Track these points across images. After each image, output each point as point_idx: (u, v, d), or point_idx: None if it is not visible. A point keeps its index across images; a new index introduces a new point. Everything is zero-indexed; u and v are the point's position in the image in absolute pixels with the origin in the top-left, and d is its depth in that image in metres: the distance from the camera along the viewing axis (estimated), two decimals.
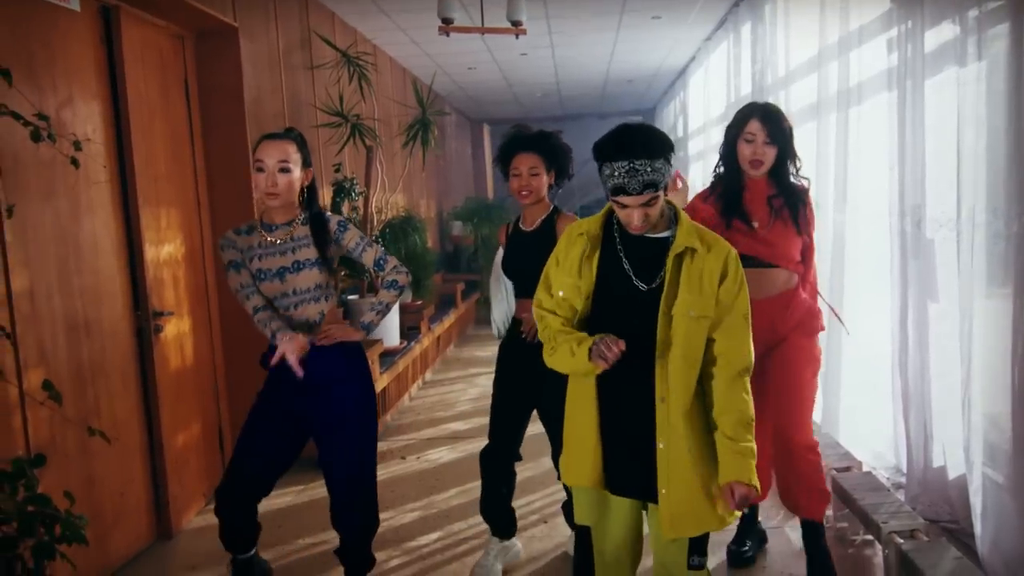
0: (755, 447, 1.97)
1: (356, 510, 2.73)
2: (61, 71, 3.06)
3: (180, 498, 3.71)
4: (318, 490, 4.00)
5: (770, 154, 2.80)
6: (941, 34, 3.01)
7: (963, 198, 2.77)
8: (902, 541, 2.56)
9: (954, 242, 2.87)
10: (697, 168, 8.15)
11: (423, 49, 7.27)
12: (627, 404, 2.02)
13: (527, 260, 2.90)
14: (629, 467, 2.04)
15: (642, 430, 2.00)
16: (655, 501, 2.00)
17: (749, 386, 2.01)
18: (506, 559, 3.20)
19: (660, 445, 1.97)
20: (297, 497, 4.02)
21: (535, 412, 3.10)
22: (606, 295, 2.04)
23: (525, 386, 3.02)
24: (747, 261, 2.41)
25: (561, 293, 2.07)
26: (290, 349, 2.47)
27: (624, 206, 1.96)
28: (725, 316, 1.98)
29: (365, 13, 5.92)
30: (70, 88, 3.11)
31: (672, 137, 10.51)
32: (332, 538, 3.03)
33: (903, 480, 3.49)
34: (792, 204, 2.84)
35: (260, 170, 2.54)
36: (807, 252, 2.94)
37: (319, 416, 2.64)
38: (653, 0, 6.14)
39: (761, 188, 2.85)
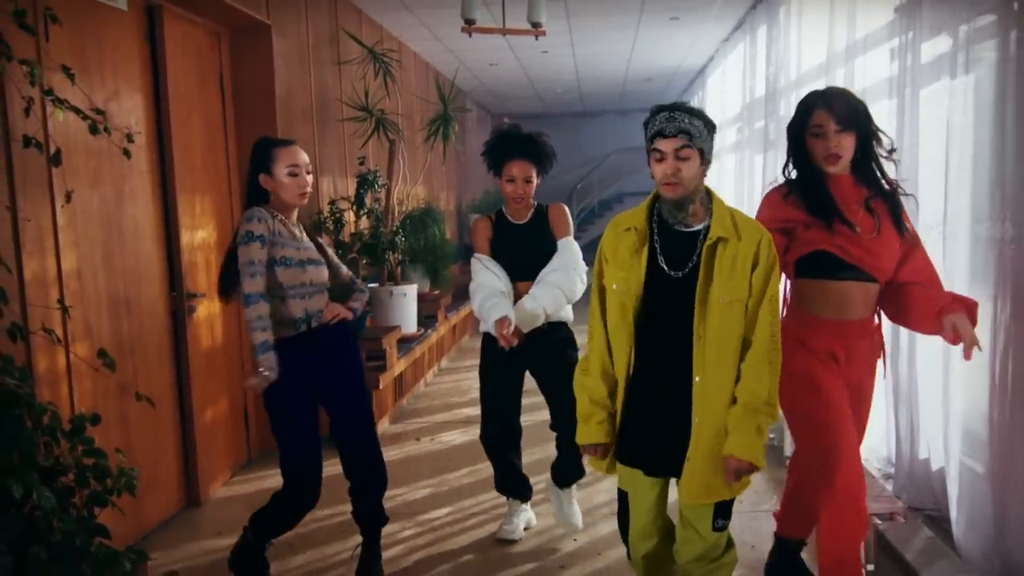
0: (765, 426, 2.10)
1: (375, 467, 3.01)
2: (109, 67, 3.28)
3: (208, 469, 3.95)
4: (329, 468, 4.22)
5: (847, 144, 2.44)
6: (937, 46, 3.15)
7: (950, 203, 2.93)
8: (880, 522, 2.74)
9: (941, 244, 3.03)
10: (711, 167, 8.27)
11: (446, 45, 7.46)
12: (666, 385, 2.19)
13: (524, 249, 3.18)
14: (660, 444, 2.21)
15: (677, 408, 2.17)
16: (676, 475, 2.20)
17: (774, 367, 2.12)
18: (524, 520, 3.49)
19: (696, 420, 2.14)
20: None
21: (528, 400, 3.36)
22: (650, 286, 2.19)
23: (513, 369, 3.28)
24: (848, 271, 2.43)
25: (615, 286, 2.23)
26: (259, 382, 2.69)
27: (661, 155, 2.11)
28: (755, 297, 2.13)
29: (391, 10, 6.12)
30: (116, 82, 3.33)
31: None
32: (344, 510, 3.23)
33: (892, 471, 3.65)
34: (892, 204, 2.50)
35: (293, 175, 2.78)
36: (913, 250, 2.55)
37: (336, 382, 2.91)
38: (672, 1, 6.29)
39: (849, 187, 2.49)
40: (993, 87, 2.65)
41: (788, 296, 2.67)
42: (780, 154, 5.11)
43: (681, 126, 2.09)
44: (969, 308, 2.38)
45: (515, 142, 3.18)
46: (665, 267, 2.18)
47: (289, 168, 2.78)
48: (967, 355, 2.34)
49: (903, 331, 3.42)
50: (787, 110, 5.15)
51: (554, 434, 3.34)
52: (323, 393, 2.93)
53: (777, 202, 2.53)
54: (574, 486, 3.44)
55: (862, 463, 2.52)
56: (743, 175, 6.79)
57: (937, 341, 3.03)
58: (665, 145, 2.10)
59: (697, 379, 2.14)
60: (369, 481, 3.01)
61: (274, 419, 2.86)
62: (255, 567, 3.03)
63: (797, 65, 5.12)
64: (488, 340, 3.30)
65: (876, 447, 4.00)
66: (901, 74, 3.40)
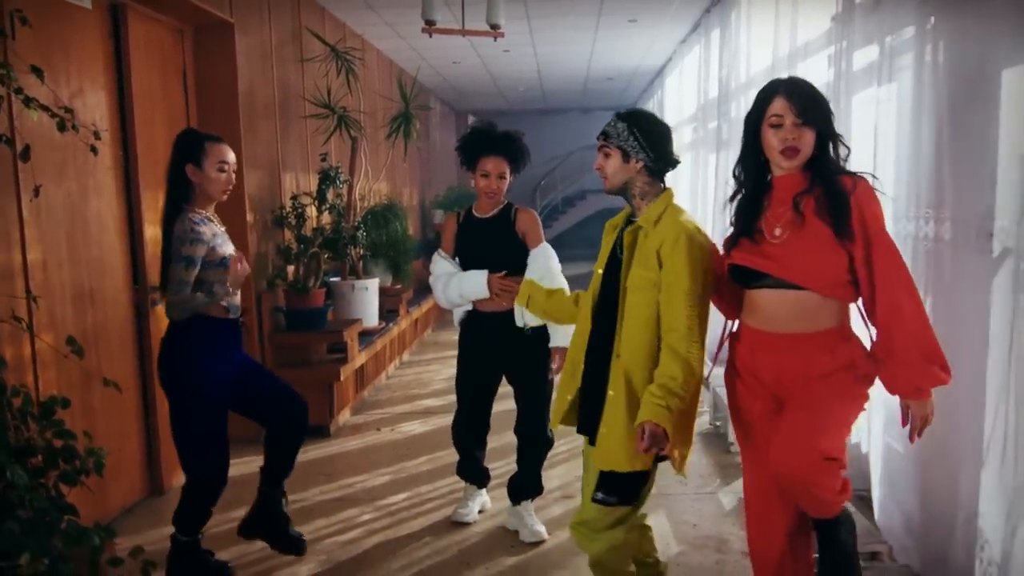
0: (672, 408, 2.21)
1: (295, 399, 3.13)
2: (74, 64, 3.36)
3: (171, 458, 4.01)
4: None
5: (806, 138, 2.16)
6: (867, 55, 3.36)
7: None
8: None
9: None
10: None
11: (409, 44, 7.57)
12: (595, 360, 2.43)
13: (485, 242, 3.32)
14: (589, 410, 2.44)
15: (601, 380, 2.38)
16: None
17: (687, 361, 2.22)
18: (479, 504, 3.65)
19: (611, 393, 2.34)
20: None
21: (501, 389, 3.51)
22: (606, 272, 2.47)
23: (492, 369, 3.42)
24: (761, 279, 2.25)
25: (600, 271, 2.50)
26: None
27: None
28: (665, 290, 2.29)
29: (354, 8, 6.22)
30: (81, 80, 3.41)
31: None
32: (302, 496, 3.37)
33: None
34: (832, 198, 2.15)
35: (222, 171, 2.90)
36: (872, 268, 2.12)
37: (251, 364, 3.12)
38: (629, 4, 6.47)
39: (791, 184, 2.23)
40: (910, 95, 2.86)
41: None
42: (732, 154, 5.34)
43: (605, 129, 2.42)
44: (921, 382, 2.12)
45: (491, 139, 3.29)
46: (618, 253, 2.43)
47: (219, 164, 2.91)
48: (912, 438, 2.20)
49: None
50: (738, 112, 5.36)
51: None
52: (242, 375, 3.01)
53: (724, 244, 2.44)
54: (531, 500, 3.49)
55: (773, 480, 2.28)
56: (698, 174, 7.01)
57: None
58: (599, 144, 2.43)
59: (616, 356, 2.34)
60: (295, 415, 3.09)
61: (195, 403, 2.90)
62: (198, 565, 3.05)
63: (746, 68, 5.33)
64: (468, 335, 3.42)
65: None
66: (836, 80, 3.61)
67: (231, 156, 2.95)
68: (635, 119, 2.39)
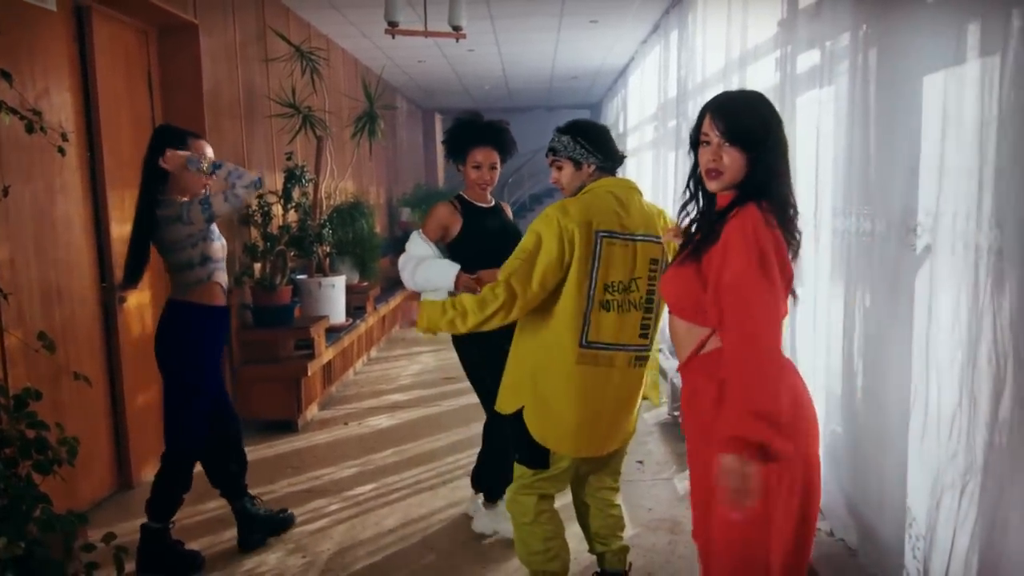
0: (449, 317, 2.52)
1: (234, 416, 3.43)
2: (39, 66, 3.41)
3: (139, 453, 4.10)
4: (264, 449, 4.43)
5: (730, 159, 1.95)
6: (810, 59, 3.52)
7: (819, 198, 3.30)
8: None
9: (814, 238, 3.40)
10: (632, 163, 8.66)
11: (374, 43, 7.64)
12: None
13: (498, 232, 3.28)
14: None
15: None
16: None
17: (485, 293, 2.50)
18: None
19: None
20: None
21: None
22: None
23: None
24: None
25: None
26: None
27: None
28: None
29: (318, 8, 6.29)
30: (47, 81, 3.46)
31: (614, 132, 11.04)
32: (270, 489, 3.44)
33: None
34: (705, 234, 1.99)
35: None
36: (724, 312, 1.87)
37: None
38: (590, 5, 6.61)
39: (720, 206, 2.04)
40: (847, 97, 3.02)
41: None
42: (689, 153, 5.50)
43: (551, 145, 2.64)
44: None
45: (480, 130, 3.26)
46: None
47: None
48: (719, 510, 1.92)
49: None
50: (695, 111, 5.53)
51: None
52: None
53: None
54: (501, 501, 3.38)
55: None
56: (659, 171, 7.18)
57: (821, 320, 3.40)
58: (549, 160, 2.65)
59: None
60: (232, 430, 3.35)
61: (198, 381, 3.17)
62: (168, 552, 3.13)
63: (702, 69, 5.49)
64: (474, 350, 3.27)
65: None
66: (782, 82, 3.78)
67: (211, 152, 3.13)
68: (576, 129, 2.62)
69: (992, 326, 1.99)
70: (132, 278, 3.14)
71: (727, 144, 1.96)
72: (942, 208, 2.26)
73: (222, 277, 3.17)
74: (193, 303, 3.08)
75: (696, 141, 2.04)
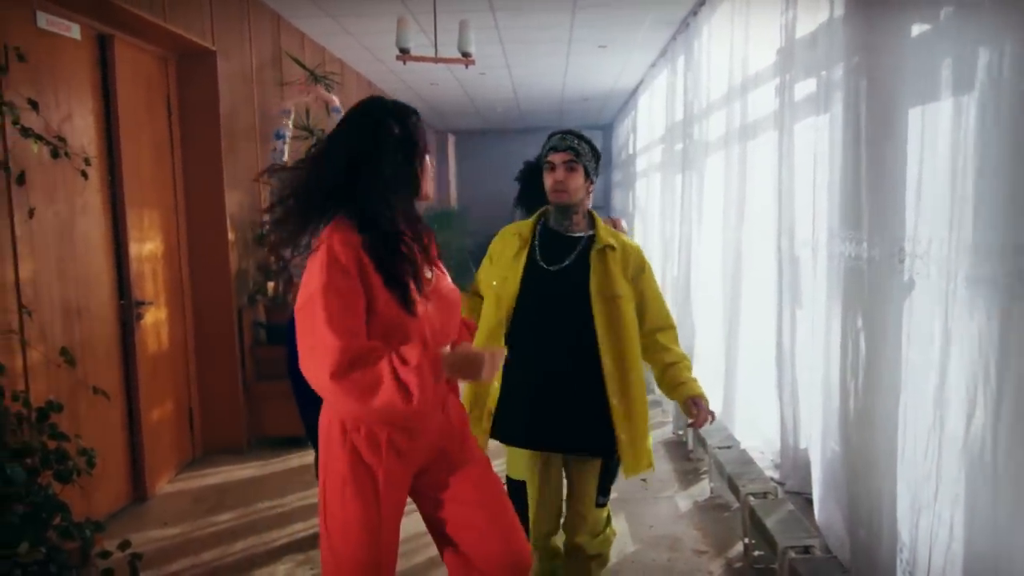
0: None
1: None
2: (64, 92, 3.56)
3: (154, 466, 4.21)
4: (277, 464, 4.53)
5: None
6: (807, 87, 3.62)
7: (817, 222, 3.39)
8: (753, 500, 3.17)
9: (811, 259, 3.49)
10: (641, 185, 8.76)
11: (388, 67, 7.80)
12: (563, 369, 2.51)
13: None
14: (565, 422, 2.51)
15: (579, 390, 2.51)
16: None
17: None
18: None
19: (614, 402, 2.47)
20: (260, 470, 4.54)
21: None
22: (527, 281, 2.54)
23: None
24: None
25: (495, 283, 2.58)
26: None
27: (552, 166, 2.51)
28: (652, 300, 2.60)
29: (332, 34, 6.45)
30: (70, 106, 3.61)
31: (625, 153, 11.14)
32: (283, 503, 3.53)
33: (780, 460, 4.10)
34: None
35: None
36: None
37: None
38: (598, 30, 6.73)
39: None
40: (841, 125, 3.12)
41: None
42: (695, 175, 5.59)
43: (570, 144, 2.51)
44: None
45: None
46: (544, 264, 2.54)
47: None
48: None
49: (786, 335, 3.87)
50: (700, 135, 5.63)
51: None
52: None
53: None
54: None
55: None
56: (667, 192, 7.27)
57: (819, 342, 3.46)
58: (556, 158, 2.51)
59: (613, 364, 2.47)
60: None
61: None
62: None
63: (707, 94, 5.60)
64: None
65: (772, 440, 4.46)
66: (781, 109, 3.87)
67: None
68: (591, 143, 2.56)
69: (962, 350, 2.07)
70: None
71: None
72: (920, 234, 2.35)
73: None
74: None
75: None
